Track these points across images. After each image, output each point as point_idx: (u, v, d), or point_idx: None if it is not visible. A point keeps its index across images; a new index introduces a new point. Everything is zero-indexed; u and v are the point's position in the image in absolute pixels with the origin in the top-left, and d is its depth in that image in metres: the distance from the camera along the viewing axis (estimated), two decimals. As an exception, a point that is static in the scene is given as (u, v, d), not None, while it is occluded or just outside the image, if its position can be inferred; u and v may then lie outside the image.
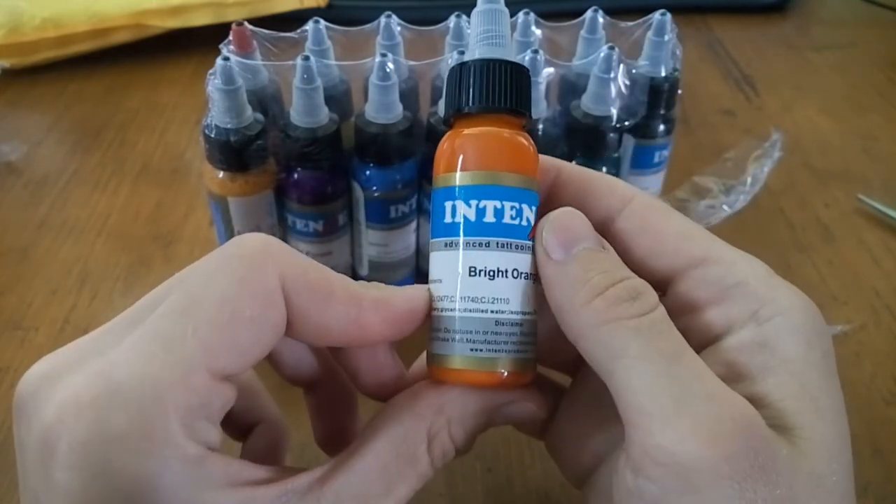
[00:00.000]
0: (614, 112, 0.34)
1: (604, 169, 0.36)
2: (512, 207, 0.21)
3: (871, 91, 0.60)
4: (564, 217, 0.20)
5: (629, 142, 0.39)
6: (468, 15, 0.38)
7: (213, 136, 0.33)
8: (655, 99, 0.37)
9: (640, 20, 0.38)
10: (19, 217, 0.45)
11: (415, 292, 0.21)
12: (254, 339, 0.18)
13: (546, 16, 0.39)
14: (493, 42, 0.22)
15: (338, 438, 0.24)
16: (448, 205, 0.21)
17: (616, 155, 0.36)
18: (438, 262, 0.22)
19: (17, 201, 0.46)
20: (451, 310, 0.21)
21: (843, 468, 0.18)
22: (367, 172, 0.35)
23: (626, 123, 0.35)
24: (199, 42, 0.58)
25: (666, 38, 0.37)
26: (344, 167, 0.35)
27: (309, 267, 0.19)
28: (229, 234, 0.36)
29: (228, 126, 0.32)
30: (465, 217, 0.21)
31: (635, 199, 0.22)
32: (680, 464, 0.17)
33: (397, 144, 0.34)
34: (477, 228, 0.21)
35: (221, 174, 0.34)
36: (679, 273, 0.21)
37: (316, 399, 0.24)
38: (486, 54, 0.21)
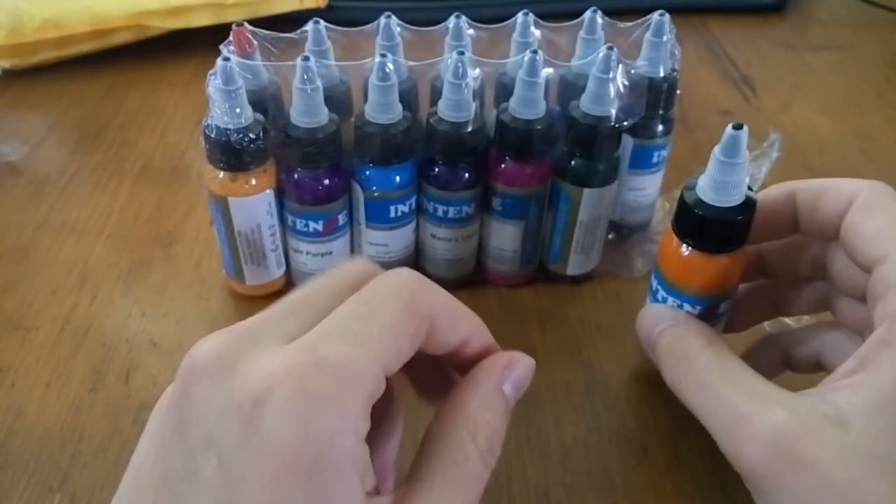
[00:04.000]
0: (613, 112, 0.35)
1: (601, 168, 0.36)
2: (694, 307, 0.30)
3: (869, 91, 0.60)
4: (641, 319, 0.31)
5: (628, 142, 0.39)
6: (467, 16, 0.38)
7: (213, 136, 0.33)
8: (654, 99, 0.38)
9: (639, 21, 0.38)
10: (20, 217, 0.45)
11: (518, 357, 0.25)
12: (408, 348, 0.22)
13: (545, 16, 0.39)
14: (721, 188, 0.27)
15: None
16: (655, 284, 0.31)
17: (615, 155, 0.36)
18: None
19: (18, 201, 0.46)
20: None
21: None
22: (367, 172, 0.35)
23: (625, 124, 0.35)
24: (200, 43, 0.58)
25: (664, 38, 0.37)
26: (344, 167, 0.35)
27: (446, 296, 0.24)
28: (229, 234, 0.36)
29: (229, 126, 0.32)
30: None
31: (857, 198, 0.26)
32: None
33: (397, 144, 0.34)
34: None
35: (222, 174, 0.34)
36: (871, 268, 0.25)
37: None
38: (711, 201, 0.27)
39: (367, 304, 0.22)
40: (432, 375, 0.26)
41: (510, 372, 0.24)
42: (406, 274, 0.23)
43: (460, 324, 0.24)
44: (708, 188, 0.27)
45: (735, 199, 0.27)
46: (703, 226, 0.28)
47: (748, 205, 0.27)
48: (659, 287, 0.30)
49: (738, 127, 0.26)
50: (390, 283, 0.23)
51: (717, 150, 0.27)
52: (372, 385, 0.20)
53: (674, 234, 0.29)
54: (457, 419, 0.23)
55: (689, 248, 0.28)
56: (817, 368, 0.31)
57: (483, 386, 0.23)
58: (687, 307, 0.30)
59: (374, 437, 0.25)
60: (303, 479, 0.19)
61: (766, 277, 0.32)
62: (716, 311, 0.30)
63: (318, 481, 0.19)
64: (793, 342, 0.31)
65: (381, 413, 0.26)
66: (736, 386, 0.25)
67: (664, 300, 0.30)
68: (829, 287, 0.30)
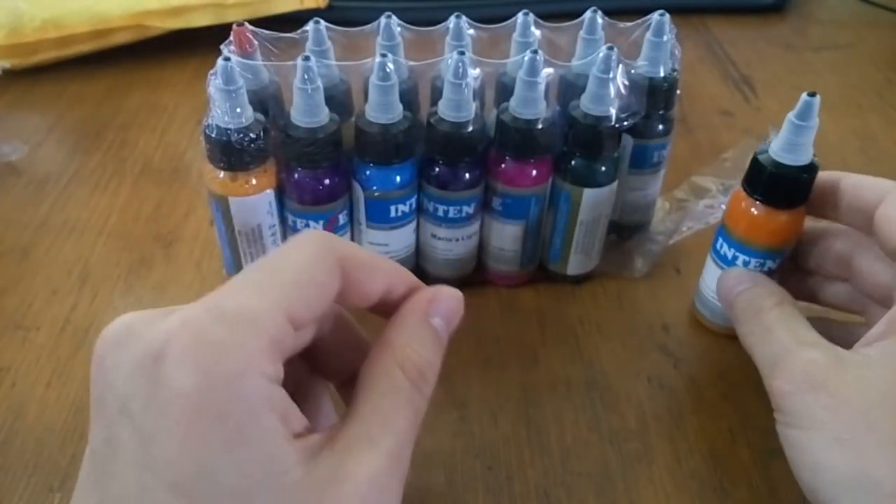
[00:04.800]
0: (613, 112, 0.35)
1: (602, 168, 0.36)
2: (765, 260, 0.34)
3: (870, 91, 0.60)
4: (722, 280, 0.34)
5: (628, 142, 0.39)
6: (467, 16, 0.38)
7: (213, 136, 0.33)
8: (654, 99, 0.38)
9: (639, 21, 0.38)
10: (20, 217, 0.45)
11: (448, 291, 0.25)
12: (318, 299, 0.22)
13: (545, 17, 0.39)
14: (791, 148, 0.31)
15: None
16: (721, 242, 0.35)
17: (615, 155, 0.36)
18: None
19: (18, 201, 0.46)
20: None
21: None
22: (368, 172, 0.35)
23: (625, 123, 0.35)
24: (200, 43, 0.58)
25: (665, 38, 0.37)
26: (344, 167, 0.35)
27: (358, 249, 0.24)
28: (230, 233, 0.36)
29: (229, 126, 0.32)
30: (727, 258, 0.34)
31: (890, 194, 0.30)
32: None
33: (397, 144, 0.34)
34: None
35: (222, 174, 0.34)
36: None
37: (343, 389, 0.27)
38: (782, 160, 0.31)
39: (271, 259, 0.22)
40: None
41: (436, 304, 0.24)
42: (315, 231, 0.24)
43: (378, 273, 0.24)
44: (780, 149, 0.31)
45: (803, 159, 0.31)
46: (775, 182, 0.32)
47: (813, 166, 0.31)
48: (731, 248, 0.34)
49: (812, 94, 0.30)
50: (296, 240, 0.23)
51: (791, 115, 0.31)
52: (275, 330, 0.20)
53: (744, 195, 0.33)
54: (385, 353, 0.23)
55: (760, 204, 0.32)
56: None
57: (409, 319, 0.24)
58: (755, 261, 0.33)
59: (311, 397, 0.26)
60: (214, 425, 0.19)
61: (797, 267, 0.35)
62: (781, 265, 0.34)
63: (230, 424, 0.19)
64: (837, 329, 0.33)
65: (308, 373, 0.26)
66: (792, 334, 0.29)
67: (734, 258, 0.34)
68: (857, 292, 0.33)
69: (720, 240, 0.34)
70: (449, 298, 0.25)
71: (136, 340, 0.20)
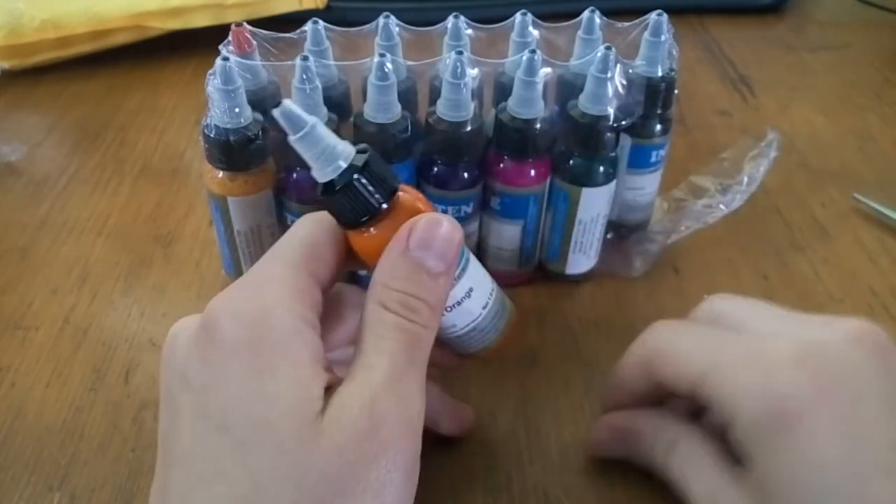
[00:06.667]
0: (611, 112, 0.35)
1: (601, 168, 0.36)
2: None
3: (867, 91, 0.60)
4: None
5: (626, 141, 0.39)
6: (466, 16, 0.38)
7: (212, 136, 0.33)
8: (652, 99, 0.38)
9: (637, 21, 0.38)
10: (20, 217, 0.45)
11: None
12: (331, 259, 0.25)
13: (543, 17, 0.39)
14: (318, 164, 0.24)
15: None
16: None
17: (613, 154, 0.36)
18: None
19: (18, 202, 0.46)
20: None
21: None
22: (366, 172, 0.35)
23: (623, 123, 0.35)
24: (199, 43, 0.58)
25: (662, 38, 0.37)
26: (343, 167, 0.35)
27: None
28: (229, 233, 0.36)
29: (228, 126, 0.32)
30: None
31: (708, 373, 0.26)
32: None
33: (396, 144, 0.34)
34: None
35: (221, 174, 0.34)
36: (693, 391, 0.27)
37: None
38: (320, 178, 0.24)
39: (285, 236, 0.25)
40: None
41: (413, 234, 0.24)
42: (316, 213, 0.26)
43: None
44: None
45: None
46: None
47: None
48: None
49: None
50: (299, 221, 0.26)
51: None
52: (295, 279, 0.23)
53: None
54: (370, 292, 0.24)
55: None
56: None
57: (387, 256, 0.24)
58: None
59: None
60: (248, 356, 0.21)
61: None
62: None
63: (262, 354, 0.22)
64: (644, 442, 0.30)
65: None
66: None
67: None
68: None
69: None
70: (422, 223, 0.24)
71: (186, 328, 0.23)
